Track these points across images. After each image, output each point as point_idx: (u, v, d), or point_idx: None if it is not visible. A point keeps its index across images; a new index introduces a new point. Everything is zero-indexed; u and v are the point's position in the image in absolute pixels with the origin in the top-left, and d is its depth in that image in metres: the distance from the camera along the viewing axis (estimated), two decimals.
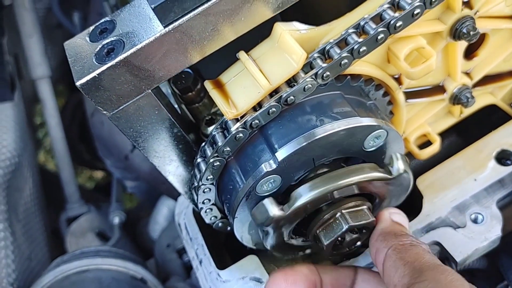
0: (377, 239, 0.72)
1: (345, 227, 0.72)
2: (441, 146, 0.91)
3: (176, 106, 0.84)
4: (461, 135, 1.04)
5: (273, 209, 0.70)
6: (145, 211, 1.89)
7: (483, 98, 0.94)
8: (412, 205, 0.90)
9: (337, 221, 0.73)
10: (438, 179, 0.89)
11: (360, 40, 0.66)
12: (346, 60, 0.66)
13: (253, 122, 0.68)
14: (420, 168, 0.97)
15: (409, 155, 0.93)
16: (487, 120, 1.01)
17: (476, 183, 0.87)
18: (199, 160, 0.74)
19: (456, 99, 0.85)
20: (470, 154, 0.90)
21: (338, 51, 0.66)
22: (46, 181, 1.78)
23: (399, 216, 0.76)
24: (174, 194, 1.25)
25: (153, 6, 0.60)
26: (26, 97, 1.81)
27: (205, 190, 0.77)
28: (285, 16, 0.77)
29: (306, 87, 0.67)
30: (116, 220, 1.52)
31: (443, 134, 0.97)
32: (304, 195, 0.70)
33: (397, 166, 0.75)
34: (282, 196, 0.72)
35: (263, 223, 0.72)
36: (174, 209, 1.41)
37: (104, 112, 0.67)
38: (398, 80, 0.78)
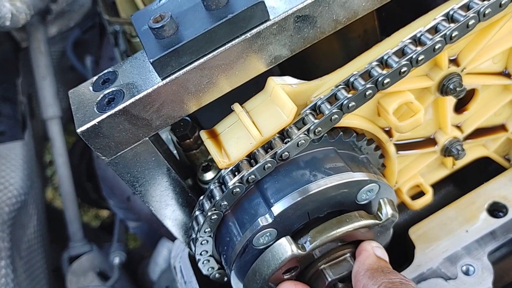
0: (364, 274, 0.71)
1: (328, 280, 0.74)
2: (433, 197, 0.92)
3: (175, 152, 0.87)
4: (458, 186, 1.06)
5: (292, 247, 0.71)
6: (148, 251, 1.90)
7: (476, 150, 0.95)
8: (404, 254, 0.91)
9: (321, 275, 0.75)
10: (430, 230, 0.90)
11: (349, 95, 0.69)
12: (336, 116, 0.69)
13: (249, 177, 0.70)
14: (417, 217, 0.98)
15: (402, 205, 0.95)
16: (484, 171, 1.03)
17: (467, 234, 0.87)
18: (197, 213, 0.76)
19: (447, 152, 0.87)
20: (463, 205, 0.91)
21: (328, 106, 0.69)
22: (52, 218, 1.81)
23: (382, 251, 0.76)
24: (173, 237, 1.26)
25: (151, 60, 0.64)
26: (37, 135, 1.87)
27: (203, 242, 0.79)
28: (283, 68, 0.81)
29: (299, 142, 0.69)
30: (117, 260, 1.53)
31: (440, 184, 0.99)
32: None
33: (385, 211, 0.76)
34: None
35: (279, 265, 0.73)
36: None
37: (103, 157, 0.70)
38: (388, 132, 0.81)
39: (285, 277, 0.75)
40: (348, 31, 0.88)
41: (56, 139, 1.72)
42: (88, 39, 1.98)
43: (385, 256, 0.76)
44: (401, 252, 0.91)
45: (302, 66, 0.91)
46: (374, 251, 0.75)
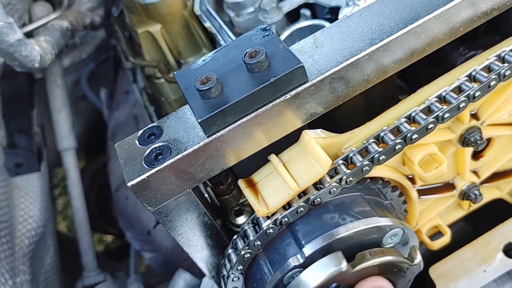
0: None
1: None
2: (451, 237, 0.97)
3: (206, 195, 0.91)
4: (469, 221, 1.10)
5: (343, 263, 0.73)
6: (154, 278, 1.92)
7: (490, 192, 1.00)
8: None
9: None
10: (450, 269, 0.94)
11: (380, 149, 0.74)
12: (367, 167, 0.74)
13: (283, 220, 0.75)
14: (430, 254, 1.02)
15: (420, 244, 1.00)
16: (494, 208, 1.08)
17: (485, 274, 0.92)
18: (230, 251, 0.80)
19: (465, 196, 0.92)
20: (479, 246, 0.96)
21: (360, 158, 0.74)
22: (60, 246, 1.83)
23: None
24: (195, 270, 1.30)
25: (199, 120, 0.68)
26: (49, 165, 1.90)
27: (234, 279, 0.83)
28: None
29: (331, 190, 0.74)
30: None
31: None
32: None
33: (418, 256, 0.81)
34: None
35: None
36: (190, 282, 1.46)
37: (149, 208, 0.74)
38: (412, 179, 0.86)
39: None
40: None
41: (71, 170, 1.76)
42: (101, 71, 2.02)
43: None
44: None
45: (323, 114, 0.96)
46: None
